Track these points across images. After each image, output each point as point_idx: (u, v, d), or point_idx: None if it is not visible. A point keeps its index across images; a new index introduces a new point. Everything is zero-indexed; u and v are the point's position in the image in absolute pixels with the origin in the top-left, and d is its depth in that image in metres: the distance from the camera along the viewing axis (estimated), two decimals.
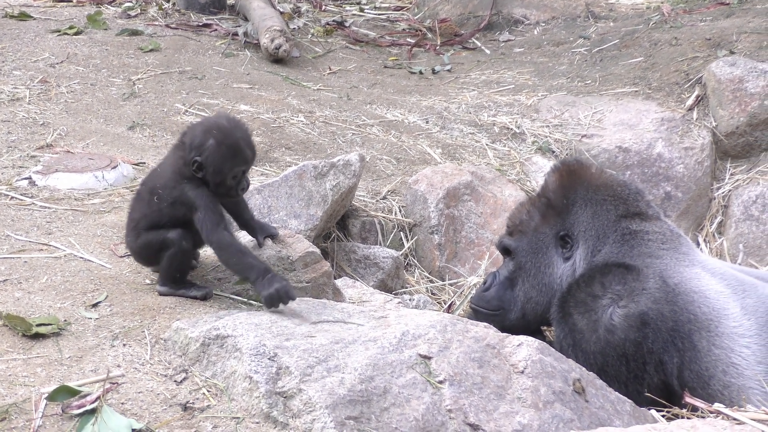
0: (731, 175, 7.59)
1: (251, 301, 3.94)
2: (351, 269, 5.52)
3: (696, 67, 8.03)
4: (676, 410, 4.19)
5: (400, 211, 6.04)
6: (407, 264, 5.88)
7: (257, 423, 3.31)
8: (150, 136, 6.42)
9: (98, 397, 3.27)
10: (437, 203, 5.95)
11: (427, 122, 7.42)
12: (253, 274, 3.74)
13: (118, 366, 3.50)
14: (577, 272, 4.70)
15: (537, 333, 4.88)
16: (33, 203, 4.99)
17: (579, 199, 4.77)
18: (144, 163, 5.82)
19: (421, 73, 9.03)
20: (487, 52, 9.80)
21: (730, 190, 7.48)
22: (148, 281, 4.12)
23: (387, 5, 11.45)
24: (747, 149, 7.60)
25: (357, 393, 3.33)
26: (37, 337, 3.62)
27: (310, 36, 9.65)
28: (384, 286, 5.34)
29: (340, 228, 5.83)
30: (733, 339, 4.39)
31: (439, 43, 10.10)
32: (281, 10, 9.57)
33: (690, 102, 7.74)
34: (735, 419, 3.41)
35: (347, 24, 10.33)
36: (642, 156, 7.36)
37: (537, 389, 3.60)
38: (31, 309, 3.81)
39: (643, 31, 9.09)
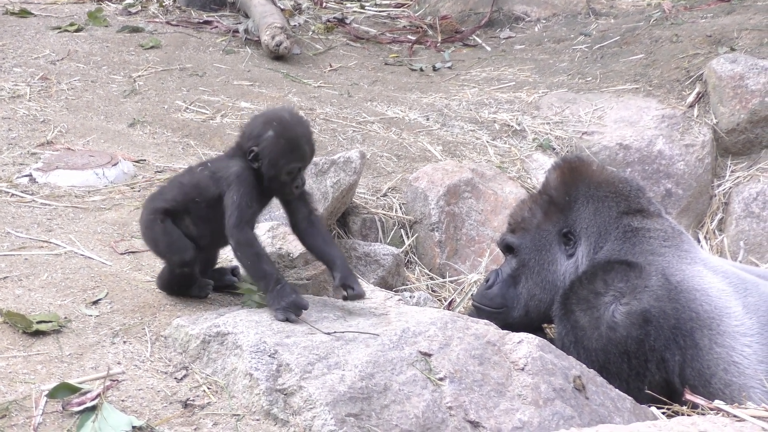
0: (732, 172, 7.58)
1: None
2: (351, 266, 5.51)
3: (697, 64, 8.02)
4: (676, 407, 4.19)
5: (401, 208, 6.04)
6: (408, 261, 5.87)
7: (257, 420, 3.31)
8: (150, 133, 6.42)
9: (99, 395, 3.27)
10: (438, 200, 5.95)
11: (427, 119, 7.41)
12: (263, 283, 3.65)
13: (119, 363, 3.50)
14: (580, 269, 4.70)
15: (538, 330, 4.88)
16: (33, 200, 4.99)
17: (581, 196, 4.76)
18: (144, 160, 5.81)
19: (421, 70, 9.02)
20: (488, 49, 9.79)
21: (730, 187, 7.47)
22: (148, 278, 4.12)
23: (387, 2, 11.43)
24: (748, 146, 7.60)
25: (357, 390, 3.33)
26: (38, 334, 3.62)
27: (310, 33, 9.64)
28: (384, 284, 5.33)
29: (340, 225, 5.83)
30: (734, 338, 4.39)
31: (439, 40, 10.08)
32: (282, 7, 9.55)
33: (691, 99, 7.73)
34: (735, 416, 3.42)
35: (348, 21, 10.31)
36: (643, 153, 7.36)
37: (537, 386, 3.60)
38: (31, 306, 3.81)
39: (643, 28, 9.08)
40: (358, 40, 9.79)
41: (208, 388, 3.44)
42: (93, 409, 3.23)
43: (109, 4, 9.68)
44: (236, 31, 8.93)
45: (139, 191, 5.24)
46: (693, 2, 9.74)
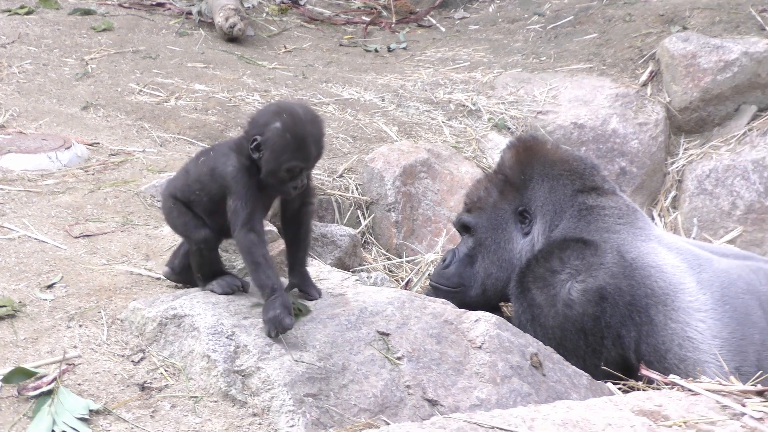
0: (685, 150, 7.65)
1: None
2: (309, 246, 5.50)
3: (650, 43, 8.07)
4: (632, 383, 4.23)
5: (357, 189, 6.04)
6: (364, 242, 5.87)
7: (215, 402, 3.31)
8: (104, 116, 6.36)
9: (54, 379, 3.26)
10: (394, 181, 5.95)
11: (383, 100, 7.41)
12: (260, 291, 3.48)
13: (75, 347, 3.48)
14: (536, 247, 4.72)
15: (495, 309, 4.90)
16: None
17: (536, 175, 4.79)
18: (98, 143, 5.76)
19: (376, 51, 9.01)
20: (443, 29, 9.79)
21: (684, 165, 7.54)
22: (104, 261, 4.09)
23: None
24: (700, 124, 7.67)
25: (315, 370, 3.33)
26: None
27: (264, 15, 9.58)
28: (341, 264, 5.33)
29: None
30: (689, 313, 4.43)
31: (394, 21, 10.07)
32: None
33: (644, 78, 7.79)
34: (690, 390, 3.45)
35: (302, 2, 10.26)
36: (597, 132, 7.40)
37: (495, 364, 3.62)
38: None
39: (597, 8, 9.12)
40: (312, 21, 9.76)
41: (166, 371, 3.42)
42: (49, 393, 3.21)
43: None
44: (189, 13, 8.87)
45: (93, 174, 5.20)
46: None
